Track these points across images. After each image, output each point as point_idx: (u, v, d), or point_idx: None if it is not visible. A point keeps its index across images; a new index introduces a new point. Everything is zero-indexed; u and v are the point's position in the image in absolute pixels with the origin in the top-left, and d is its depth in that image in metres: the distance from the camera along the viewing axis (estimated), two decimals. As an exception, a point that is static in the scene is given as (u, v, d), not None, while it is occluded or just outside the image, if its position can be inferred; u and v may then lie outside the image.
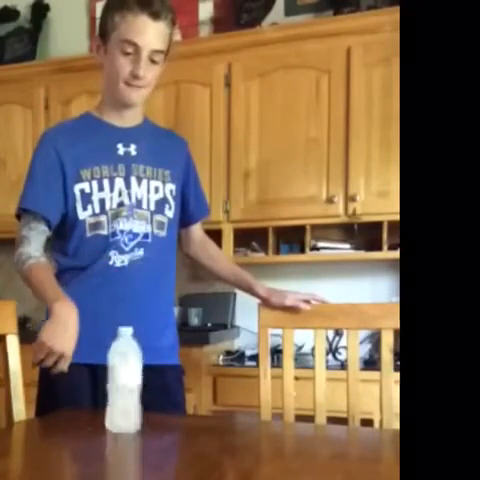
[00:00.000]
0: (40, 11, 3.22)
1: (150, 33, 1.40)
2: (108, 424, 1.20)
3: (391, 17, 2.32)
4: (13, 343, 1.38)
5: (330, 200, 2.49)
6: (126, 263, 1.49)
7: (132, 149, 1.53)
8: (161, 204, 1.55)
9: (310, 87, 2.53)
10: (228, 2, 2.90)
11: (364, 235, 2.60)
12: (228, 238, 2.65)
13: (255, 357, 2.45)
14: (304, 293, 1.56)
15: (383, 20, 2.39)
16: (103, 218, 1.48)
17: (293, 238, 2.72)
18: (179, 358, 1.61)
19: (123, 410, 1.20)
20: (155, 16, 1.39)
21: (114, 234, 1.48)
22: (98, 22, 1.49)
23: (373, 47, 2.44)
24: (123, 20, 1.40)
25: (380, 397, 1.47)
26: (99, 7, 3.10)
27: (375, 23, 2.43)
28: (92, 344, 1.36)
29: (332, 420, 1.51)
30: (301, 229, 2.58)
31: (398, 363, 1.75)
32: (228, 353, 2.66)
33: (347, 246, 2.61)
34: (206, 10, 2.94)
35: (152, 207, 1.53)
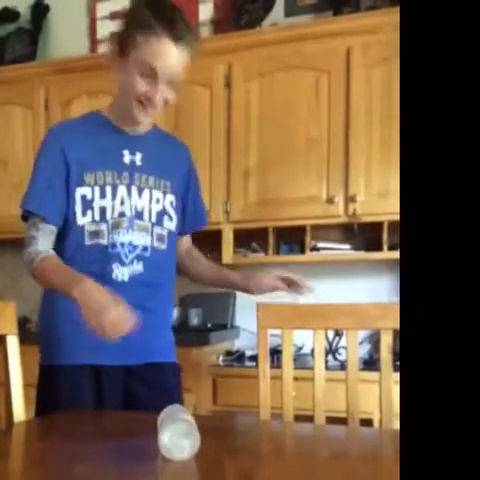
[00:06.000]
0: (40, 12, 3.22)
1: (171, 58, 1.37)
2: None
3: (391, 18, 2.33)
4: (13, 343, 1.38)
5: (330, 200, 2.50)
6: (126, 278, 1.47)
7: (137, 158, 1.52)
8: (161, 215, 1.54)
9: (310, 87, 2.54)
10: (228, 3, 2.90)
11: (364, 235, 2.60)
12: (228, 238, 2.66)
13: (255, 357, 2.45)
14: (277, 273, 1.60)
15: (383, 20, 2.40)
16: (103, 227, 1.47)
17: (293, 238, 2.72)
18: (176, 357, 1.62)
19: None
20: (178, 39, 1.36)
21: (114, 246, 1.47)
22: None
23: (373, 47, 2.44)
24: (145, 41, 1.36)
25: (379, 397, 1.47)
26: (99, 7, 3.11)
27: (375, 23, 2.43)
28: (94, 345, 1.35)
29: (332, 420, 1.51)
30: (301, 229, 2.59)
31: (398, 363, 1.76)
32: (228, 353, 2.65)
33: (347, 246, 2.61)
34: (206, 11, 2.94)
35: (153, 219, 1.52)
